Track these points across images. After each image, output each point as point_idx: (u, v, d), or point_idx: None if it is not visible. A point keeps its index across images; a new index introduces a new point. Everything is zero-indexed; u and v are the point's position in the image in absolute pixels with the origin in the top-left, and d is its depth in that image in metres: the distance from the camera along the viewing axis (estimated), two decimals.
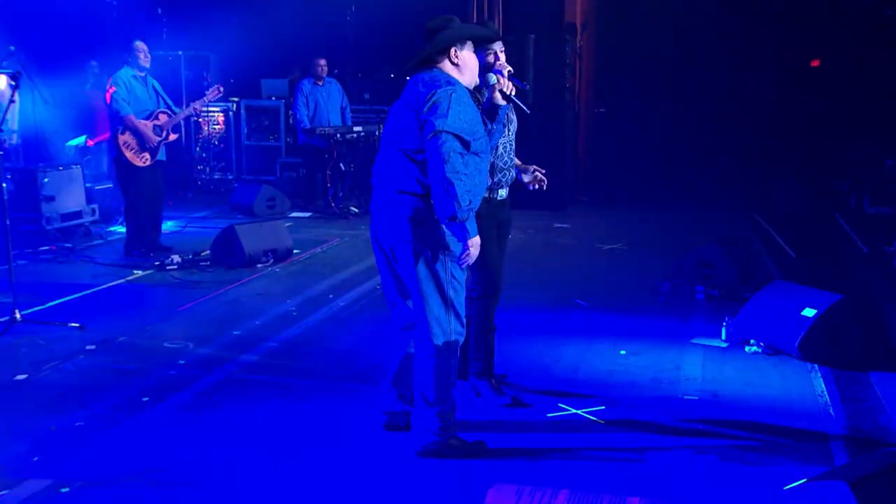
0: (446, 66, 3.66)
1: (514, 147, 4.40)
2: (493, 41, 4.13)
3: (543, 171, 4.50)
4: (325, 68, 10.35)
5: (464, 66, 3.68)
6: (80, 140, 9.76)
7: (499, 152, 4.28)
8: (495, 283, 4.36)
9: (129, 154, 7.60)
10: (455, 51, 3.66)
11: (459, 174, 3.43)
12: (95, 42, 10.46)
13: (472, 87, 3.76)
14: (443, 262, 3.60)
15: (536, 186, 4.49)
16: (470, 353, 4.42)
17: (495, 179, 4.29)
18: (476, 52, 4.15)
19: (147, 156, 7.65)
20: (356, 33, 12.47)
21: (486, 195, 4.23)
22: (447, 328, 3.64)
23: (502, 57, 4.23)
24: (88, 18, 10.96)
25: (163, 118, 7.71)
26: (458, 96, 3.51)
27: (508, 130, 4.32)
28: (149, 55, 7.71)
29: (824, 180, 11.04)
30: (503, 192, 4.37)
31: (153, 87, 7.80)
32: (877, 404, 4.47)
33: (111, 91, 7.54)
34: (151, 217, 7.90)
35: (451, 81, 3.58)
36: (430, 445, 3.71)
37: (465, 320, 3.73)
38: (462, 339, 3.74)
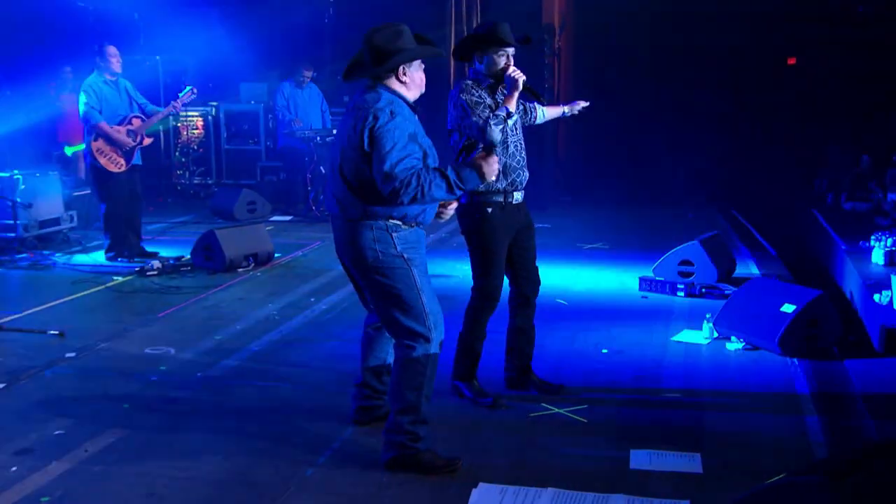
0: (392, 83, 3.61)
1: (523, 146, 4.33)
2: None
3: (587, 104, 4.70)
4: (309, 78, 10.33)
5: (411, 83, 3.65)
6: (80, 147, 9.68)
7: (510, 151, 4.22)
8: (495, 293, 4.30)
9: (103, 160, 7.54)
10: (403, 69, 3.61)
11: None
12: (70, 48, 10.37)
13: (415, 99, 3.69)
14: (408, 273, 3.57)
15: (577, 111, 4.70)
16: (455, 356, 4.42)
17: (509, 180, 4.21)
18: (489, 54, 4.15)
19: (122, 161, 7.59)
20: (334, 36, 12.44)
21: (501, 200, 4.21)
22: (425, 338, 3.58)
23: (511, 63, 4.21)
24: (63, 24, 10.87)
25: (136, 123, 7.65)
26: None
27: (516, 128, 4.27)
28: (121, 59, 7.63)
29: (802, 177, 11.14)
30: (518, 196, 4.28)
31: (126, 90, 7.72)
32: (855, 398, 4.51)
33: (81, 100, 7.49)
34: (130, 222, 7.85)
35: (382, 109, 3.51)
36: (399, 457, 3.62)
37: (440, 326, 3.64)
38: (438, 350, 3.65)
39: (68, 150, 9.78)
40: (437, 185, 3.50)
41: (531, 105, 4.56)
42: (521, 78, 4.07)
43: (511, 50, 4.21)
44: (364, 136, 3.49)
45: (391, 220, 3.57)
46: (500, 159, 4.15)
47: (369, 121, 3.49)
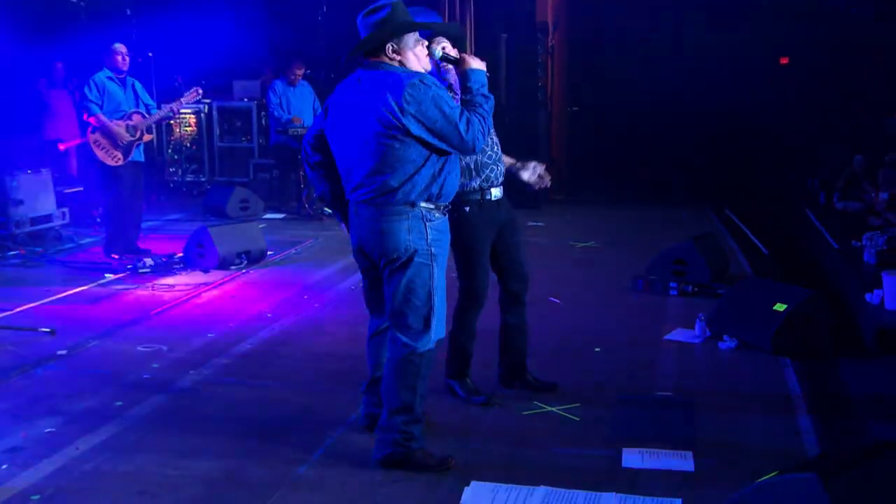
0: (386, 59, 3.56)
1: (496, 141, 4.28)
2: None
3: (545, 165, 4.41)
4: (301, 76, 10.30)
5: (405, 60, 3.57)
6: (72, 144, 9.66)
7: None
8: (480, 293, 4.27)
9: (100, 153, 7.53)
10: (392, 46, 3.54)
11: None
12: (62, 43, 10.33)
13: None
14: (430, 270, 3.54)
15: (543, 185, 4.39)
16: (447, 356, 4.41)
17: (483, 177, 4.16)
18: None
19: (119, 154, 7.56)
20: (328, 33, 12.42)
21: (478, 197, 4.18)
22: (423, 337, 3.56)
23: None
24: (55, 19, 10.82)
25: (136, 118, 7.64)
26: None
27: None
28: (127, 57, 7.65)
29: (795, 177, 11.17)
30: (496, 192, 4.22)
31: (133, 88, 7.74)
32: (847, 397, 4.53)
33: (82, 93, 7.51)
34: (131, 219, 7.83)
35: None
36: (393, 455, 3.61)
37: (442, 327, 3.64)
38: (435, 349, 3.64)
39: (60, 146, 9.74)
40: (484, 106, 3.52)
41: None
42: (439, 46, 3.84)
43: (442, 39, 3.97)
44: (401, 117, 3.38)
45: (424, 206, 3.51)
46: (469, 157, 4.08)
47: (402, 99, 3.38)
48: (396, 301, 3.56)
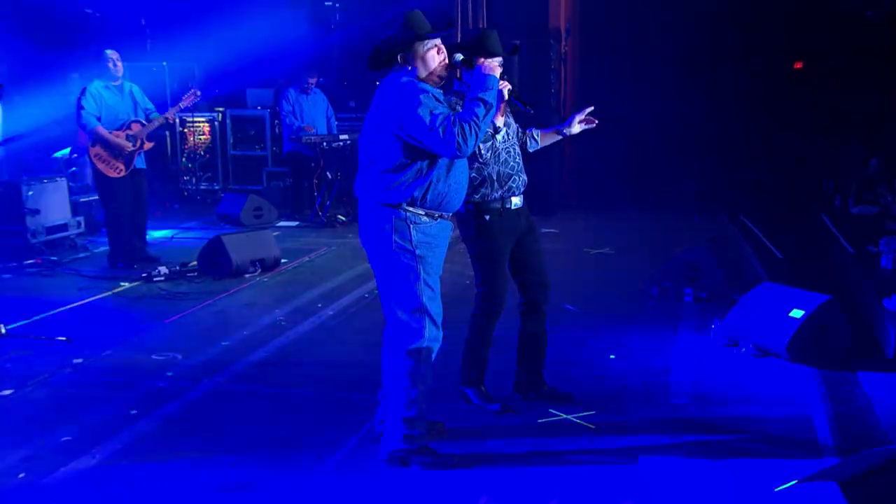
0: (399, 68, 3.70)
1: (518, 152, 4.30)
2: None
3: (583, 111, 4.35)
4: (314, 84, 10.33)
5: (415, 69, 3.67)
6: (65, 151, 9.73)
7: (502, 158, 4.17)
8: (498, 302, 4.27)
9: (101, 166, 7.53)
10: (403, 56, 3.65)
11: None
12: (77, 54, 10.41)
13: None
14: (415, 269, 3.62)
15: (594, 123, 4.35)
16: (462, 363, 4.41)
17: (505, 188, 4.18)
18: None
19: (121, 166, 7.56)
20: (341, 41, 12.46)
21: (498, 206, 4.19)
22: (414, 335, 3.63)
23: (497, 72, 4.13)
24: (70, 30, 10.91)
25: (136, 127, 7.61)
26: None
27: (508, 134, 4.24)
28: (120, 63, 7.56)
29: (810, 181, 11.11)
30: (517, 201, 4.24)
31: (131, 94, 7.68)
32: (865, 404, 4.49)
33: (79, 105, 7.47)
34: (135, 227, 7.84)
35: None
36: (397, 452, 3.68)
37: (435, 327, 3.67)
38: (437, 347, 3.71)
39: (56, 154, 9.80)
40: (475, 111, 3.55)
41: (528, 131, 4.48)
42: (506, 88, 3.93)
43: (498, 60, 4.01)
44: (389, 117, 3.58)
45: (411, 210, 3.61)
46: (492, 168, 4.15)
47: (391, 100, 3.58)
48: (385, 298, 3.71)
